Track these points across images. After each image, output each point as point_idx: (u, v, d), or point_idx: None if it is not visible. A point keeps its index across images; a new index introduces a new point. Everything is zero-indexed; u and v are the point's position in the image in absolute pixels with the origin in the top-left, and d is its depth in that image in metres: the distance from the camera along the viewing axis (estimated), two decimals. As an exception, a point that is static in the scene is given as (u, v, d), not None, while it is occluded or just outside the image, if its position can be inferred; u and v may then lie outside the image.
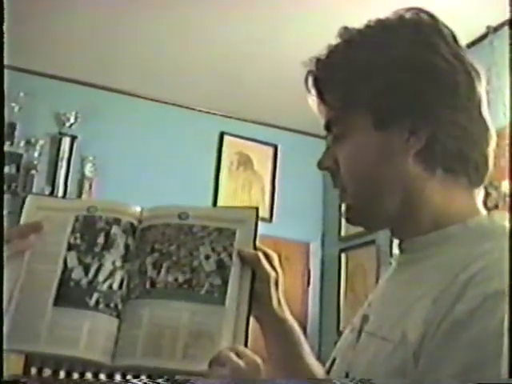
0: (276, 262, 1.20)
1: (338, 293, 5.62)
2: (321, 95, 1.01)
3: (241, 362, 0.97)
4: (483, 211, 0.96)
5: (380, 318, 0.96)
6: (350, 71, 0.97)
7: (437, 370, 0.75)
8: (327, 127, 1.02)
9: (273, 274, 1.17)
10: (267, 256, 1.18)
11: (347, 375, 0.93)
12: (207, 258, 1.14)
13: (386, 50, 0.95)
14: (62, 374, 4.73)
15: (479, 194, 0.98)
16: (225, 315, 1.09)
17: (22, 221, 1.21)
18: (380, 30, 0.98)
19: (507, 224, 0.91)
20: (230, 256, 1.14)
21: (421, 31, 0.96)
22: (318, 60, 1.00)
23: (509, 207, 0.86)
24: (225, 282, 1.12)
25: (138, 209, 1.21)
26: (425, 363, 0.78)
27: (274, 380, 1.06)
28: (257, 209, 1.19)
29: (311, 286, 5.80)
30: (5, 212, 3.76)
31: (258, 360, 0.99)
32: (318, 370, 1.17)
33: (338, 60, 0.99)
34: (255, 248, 1.15)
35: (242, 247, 1.14)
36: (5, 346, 0.98)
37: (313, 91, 1.01)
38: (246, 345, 1.05)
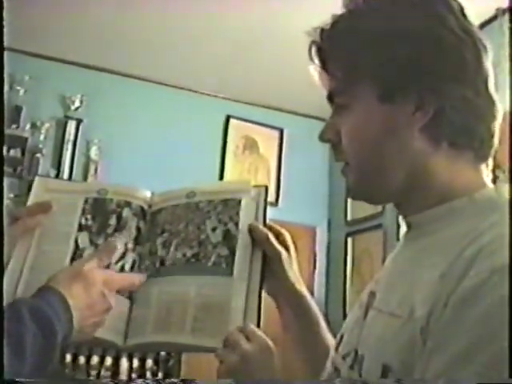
0: (288, 240, 1.21)
1: (345, 277, 5.62)
2: (324, 65, 0.98)
3: (250, 347, 0.97)
4: (490, 185, 0.94)
5: (387, 294, 0.94)
6: (355, 41, 0.95)
7: (445, 347, 0.74)
8: (330, 97, 1.00)
9: (283, 252, 1.17)
10: (279, 235, 1.19)
11: (356, 352, 0.92)
12: (214, 229, 1.14)
13: (392, 20, 0.93)
14: (68, 357, 4.74)
15: (486, 169, 0.96)
16: (233, 286, 1.09)
17: (30, 202, 1.20)
18: (387, 0, 0.97)
19: None
20: (237, 225, 1.14)
21: (429, 3, 0.94)
22: (322, 29, 0.98)
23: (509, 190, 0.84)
24: (232, 253, 1.13)
25: (148, 193, 1.22)
26: (432, 340, 0.76)
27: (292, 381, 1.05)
28: (266, 186, 1.22)
29: (317, 270, 5.80)
30: (11, 195, 3.79)
31: (270, 343, 0.99)
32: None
33: (342, 29, 0.97)
34: (265, 226, 1.16)
35: (252, 221, 1.15)
36: None
37: (316, 61, 1.00)
38: (259, 319, 1.06)
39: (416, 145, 0.92)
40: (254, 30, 4.81)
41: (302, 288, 1.22)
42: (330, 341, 1.19)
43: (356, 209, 5.59)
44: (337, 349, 1.03)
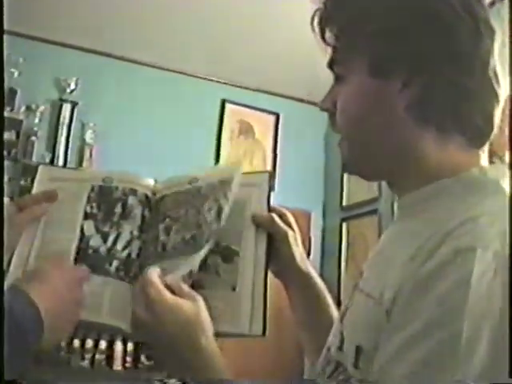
0: (291, 220, 1.21)
1: (339, 262, 5.64)
2: (323, 34, 0.98)
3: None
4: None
5: (368, 275, 0.95)
6: (352, 11, 0.94)
7: (405, 326, 0.73)
8: (330, 66, 1.00)
9: (290, 231, 1.18)
10: (281, 215, 1.19)
11: (342, 334, 0.92)
12: (209, 209, 1.14)
13: None
14: (76, 343, 4.76)
15: (481, 154, 0.94)
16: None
17: (35, 191, 1.19)
18: None
19: (504, 179, 0.89)
20: (227, 198, 1.14)
21: None
22: None
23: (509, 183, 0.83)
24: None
25: (152, 181, 1.23)
26: (394, 319, 0.76)
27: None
28: (269, 172, 1.23)
29: (312, 255, 5.81)
30: (5, 179, 3.77)
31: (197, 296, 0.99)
32: None
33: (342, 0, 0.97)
34: (269, 210, 1.17)
35: (255, 209, 1.16)
36: None
37: (316, 29, 0.99)
38: (265, 300, 1.06)
39: (402, 124, 0.91)
40: (250, 14, 4.78)
41: (309, 267, 1.22)
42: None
43: (351, 194, 5.60)
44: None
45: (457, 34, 0.88)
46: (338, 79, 0.99)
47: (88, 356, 4.80)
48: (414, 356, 0.71)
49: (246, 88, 6.04)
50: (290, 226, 1.20)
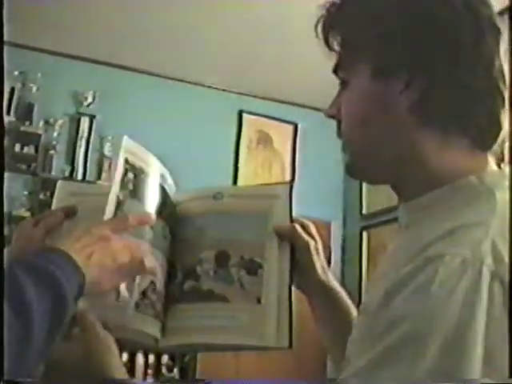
0: (313, 231, 1.20)
1: (360, 272, 5.61)
2: (327, 40, 0.97)
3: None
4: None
5: (368, 289, 0.94)
6: (353, 17, 0.94)
7: (373, 327, 0.74)
8: (335, 72, 0.99)
9: (312, 241, 1.17)
10: (304, 226, 1.18)
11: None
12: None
13: None
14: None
15: (490, 158, 0.92)
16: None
17: (54, 207, 1.18)
18: None
19: (502, 185, 0.85)
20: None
21: None
22: (332, 4, 0.98)
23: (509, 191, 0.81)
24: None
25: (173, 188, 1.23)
26: (367, 324, 0.78)
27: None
28: (290, 184, 1.22)
29: (332, 265, 5.76)
30: (25, 192, 3.82)
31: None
32: None
33: (343, 5, 0.96)
34: (292, 221, 1.16)
35: (278, 223, 1.16)
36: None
37: (320, 36, 0.99)
38: (290, 312, 1.06)
39: (404, 125, 0.89)
40: (266, 24, 4.78)
41: (330, 278, 1.21)
42: None
43: (371, 202, 5.56)
44: None
45: (457, 33, 0.86)
46: (342, 85, 0.98)
47: (109, 368, 4.78)
48: (373, 353, 0.71)
49: (264, 98, 6.04)
50: (312, 236, 1.19)
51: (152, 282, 1.06)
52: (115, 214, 1.04)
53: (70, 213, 1.14)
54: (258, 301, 1.08)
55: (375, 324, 0.75)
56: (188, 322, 1.08)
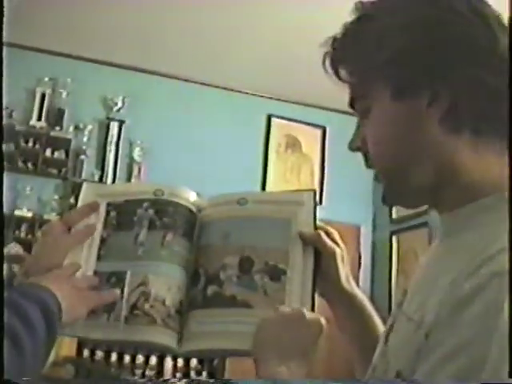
0: (338, 238, 1.19)
1: (390, 276, 5.56)
2: (337, 74, 0.96)
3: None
4: None
5: (411, 297, 0.92)
6: (363, 44, 0.92)
7: (441, 345, 0.72)
8: (351, 105, 0.98)
9: (337, 249, 1.16)
10: (328, 234, 1.17)
11: (386, 357, 0.89)
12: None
13: (396, 15, 0.90)
14: (114, 357, 4.79)
15: None
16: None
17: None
18: None
19: None
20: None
21: None
22: (334, 39, 0.96)
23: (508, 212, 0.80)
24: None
25: (194, 196, 1.23)
26: (432, 340, 0.74)
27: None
28: (314, 191, 1.21)
29: (362, 269, 5.75)
30: (56, 197, 3.86)
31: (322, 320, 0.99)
32: None
33: (350, 35, 0.94)
34: (316, 228, 1.15)
35: (301, 228, 1.15)
36: (81, 333, 1.07)
37: (330, 71, 0.97)
38: None
39: (437, 138, 0.87)
40: (294, 27, 4.78)
41: (354, 287, 1.19)
42: None
43: (401, 207, 5.51)
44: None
45: (470, 37, 0.85)
46: (362, 115, 0.96)
47: (138, 372, 4.81)
48: (446, 373, 0.69)
49: (292, 102, 6.03)
50: (337, 243, 1.17)
51: (143, 293, 1.09)
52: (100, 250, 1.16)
53: (93, 209, 1.18)
54: None
55: (435, 339, 0.74)
56: (210, 327, 1.08)
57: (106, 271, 1.13)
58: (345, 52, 0.95)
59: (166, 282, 1.12)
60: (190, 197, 1.22)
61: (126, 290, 1.10)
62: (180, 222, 1.18)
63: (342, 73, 0.95)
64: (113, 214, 1.19)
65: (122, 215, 1.19)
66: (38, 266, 1.07)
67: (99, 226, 1.17)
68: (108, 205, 1.20)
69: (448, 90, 0.85)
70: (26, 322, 0.90)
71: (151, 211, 1.18)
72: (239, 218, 1.19)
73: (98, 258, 1.15)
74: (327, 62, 0.97)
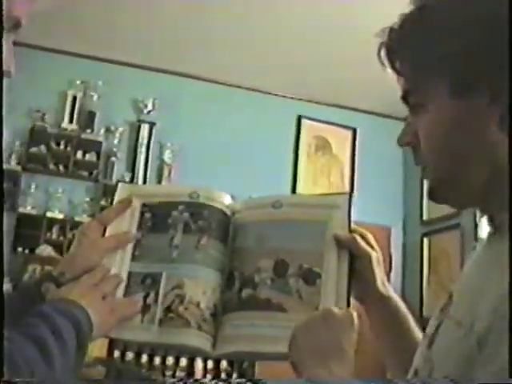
0: (373, 242, 1.18)
1: (421, 278, 5.51)
2: (394, 66, 0.94)
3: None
4: None
5: (459, 300, 0.89)
6: (423, 37, 0.89)
7: (498, 357, 0.70)
8: (404, 98, 0.95)
9: (373, 252, 1.15)
10: (363, 237, 1.16)
11: (431, 361, 0.87)
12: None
13: (459, 10, 0.87)
14: (144, 358, 4.80)
15: None
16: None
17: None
18: None
19: None
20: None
21: None
22: (391, 30, 0.94)
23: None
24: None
25: (229, 199, 1.23)
26: (488, 350, 0.72)
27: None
28: (350, 194, 1.20)
29: (393, 271, 5.70)
30: (87, 198, 3.92)
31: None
32: None
33: (409, 27, 0.92)
34: (350, 232, 1.14)
35: (336, 231, 1.14)
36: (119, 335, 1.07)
37: (386, 62, 0.95)
38: None
39: (495, 138, 0.85)
40: (324, 28, 4.76)
41: (390, 290, 1.18)
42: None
43: (432, 208, 5.46)
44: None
45: None
46: (414, 110, 0.94)
47: (169, 373, 4.82)
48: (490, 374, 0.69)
49: (322, 103, 6.01)
50: (372, 247, 1.16)
51: (178, 295, 1.09)
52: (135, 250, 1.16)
53: (126, 205, 1.18)
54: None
55: (491, 348, 0.72)
56: (244, 330, 1.08)
57: (140, 272, 1.13)
58: (402, 44, 0.92)
59: (201, 285, 1.12)
60: (225, 200, 1.22)
61: (160, 292, 1.10)
62: (214, 225, 1.17)
63: (398, 65, 0.93)
64: (147, 215, 1.19)
65: (157, 217, 1.19)
66: (74, 267, 1.08)
67: (134, 227, 1.18)
68: (143, 205, 1.20)
69: (508, 89, 0.83)
70: (58, 337, 0.92)
71: (186, 214, 1.18)
72: (274, 221, 1.18)
73: (133, 258, 1.15)
74: (382, 53, 0.94)
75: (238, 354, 1.13)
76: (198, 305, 1.09)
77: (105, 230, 1.14)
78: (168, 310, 1.08)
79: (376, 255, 1.15)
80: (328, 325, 0.97)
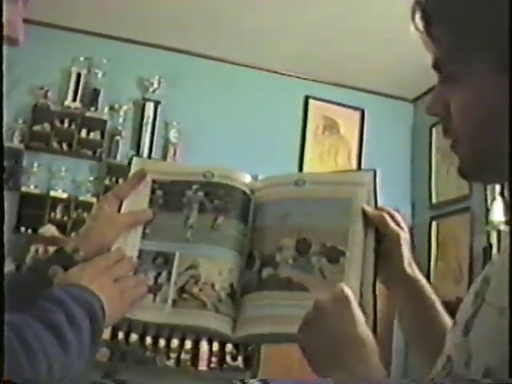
0: (401, 221, 1.15)
1: (429, 262, 5.46)
2: (429, 29, 0.87)
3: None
4: None
5: (501, 285, 0.83)
6: (468, 3, 0.82)
7: None
8: (435, 66, 0.89)
9: (402, 233, 1.12)
10: (391, 216, 1.13)
11: (469, 349, 0.81)
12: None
13: None
14: (148, 340, 4.77)
15: None
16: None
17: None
18: None
19: None
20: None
21: None
22: None
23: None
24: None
25: (248, 177, 1.21)
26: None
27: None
28: (375, 171, 1.19)
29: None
30: (91, 178, 3.88)
31: (345, 290, 0.95)
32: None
33: None
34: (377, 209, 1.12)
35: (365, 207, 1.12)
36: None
37: (419, 25, 0.87)
38: (374, 300, 1.03)
39: None
40: (331, 9, 4.68)
41: (416, 271, 1.15)
42: (448, 325, 1.10)
43: (441, 191, 5.41)
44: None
45: None
46: (448, 79, 0.87)
47: (173, 355, 4.80)
48: None
49: (330, 83, 5.93)
50: (400, 226, 1.12)
51: (193, 276, 1.07)
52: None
53: (141, 177, 1.16)
54: None
55: None
56: (265, 310, 1.06)
57: (151, 250, 1.11)
58: (443, 9, 0.85)
59: (216, 265, 1.09)
60: (244, 178, 1.19)
61: (173, 271, 1.08)
62: (233, 205, 1.14)
63: (434, 30, 0.85)
64: (159, 192, 1.17)
65: (170, 195, 1.16)
66: (89, 243, 1.06)
67: (145, 203, 1.15)
68: (153, 182, 1.17)
69: None
70: (74, 324, 0.91)
71: (201, 194, 1.15)
72: (297, 199, 1.15)
73: (143, 236, 1.12)
74: (417, 16, 0.87)
75: (258, 336, 1.10)
76: (212, 286, 1.07)
77: (120, 205, 1.12)
78: (182, 290, 1.07)
79: (404, 235, 1.12)
80: (322, 314, 0.92)
